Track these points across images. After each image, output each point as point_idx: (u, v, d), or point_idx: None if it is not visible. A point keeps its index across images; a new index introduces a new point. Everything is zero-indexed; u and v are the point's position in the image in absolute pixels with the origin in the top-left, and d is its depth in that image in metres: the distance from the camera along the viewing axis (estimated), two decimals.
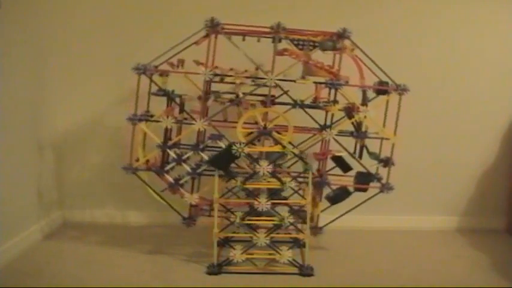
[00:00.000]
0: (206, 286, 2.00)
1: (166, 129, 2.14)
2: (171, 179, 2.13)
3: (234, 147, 1.99)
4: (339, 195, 2.16)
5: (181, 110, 2.24)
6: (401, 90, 2.11)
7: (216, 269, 2.10)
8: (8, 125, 2.25)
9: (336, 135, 2.08)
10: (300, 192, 2.15)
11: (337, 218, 2.28)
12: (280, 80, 2.02)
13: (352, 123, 2.12)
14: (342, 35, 2.04)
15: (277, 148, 2.03)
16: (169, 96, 2.19)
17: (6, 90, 2.24)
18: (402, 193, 2.61)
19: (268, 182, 2.13)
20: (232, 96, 2.25)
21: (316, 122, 2.19)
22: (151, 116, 2.13)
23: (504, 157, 2.68)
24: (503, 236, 2.64)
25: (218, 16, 2.05)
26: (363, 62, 2.12)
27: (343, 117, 2.15)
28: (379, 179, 2.18)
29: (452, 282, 2.05)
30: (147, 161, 2.20)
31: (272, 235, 2.07)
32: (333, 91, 2.10)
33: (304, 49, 2.05)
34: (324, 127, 2.11)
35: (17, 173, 2.35)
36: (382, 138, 2.15)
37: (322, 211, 2.29)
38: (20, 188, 2.39)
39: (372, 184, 2.18)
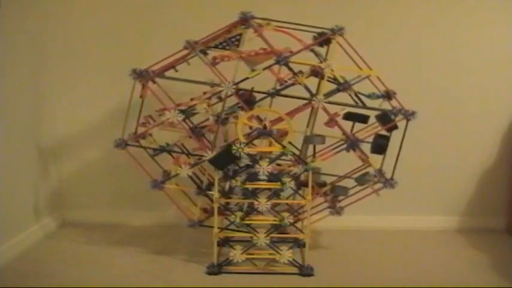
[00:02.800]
0: (206, 286, 2.00)
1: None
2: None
3: (233, 147, 1.99)
4: (382, 143, 2.09)
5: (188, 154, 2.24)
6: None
7: (216, 269, 2.10)
8: (7, 125, 2.25)
9: (325, 101, 2.00)
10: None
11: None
12: (236, 84, 2.00)
13: (329, 80, 2.08)
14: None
15: (277, 148, 2.03)
16: (169, 151, 2.21)
17: (6, 90, 2.24)
18: (402, 193, 2.60)
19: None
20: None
21: (303, 98, 2.08)
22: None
23: (504, 157, 2.68)
24: (503, 236, 2.64)
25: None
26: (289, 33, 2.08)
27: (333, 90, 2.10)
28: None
29: (452, 282, 2.05)
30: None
31: (272, 235, 2.07)
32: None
33: (230, 48, 2.04)
34: (311, 98, 2.01)
35: (16, 173, 2.35)
36: (362, 79, 2.09)
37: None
38: (20, 188, 2.39)
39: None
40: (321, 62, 2.05)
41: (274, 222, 2.06)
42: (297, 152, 2.14)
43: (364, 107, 2.07)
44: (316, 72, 2.10)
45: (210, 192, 2.14)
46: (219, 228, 2.11)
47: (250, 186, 2.05)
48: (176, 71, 2.13)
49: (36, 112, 2.54)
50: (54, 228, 2.65)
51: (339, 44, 2.05)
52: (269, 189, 2.06)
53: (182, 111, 2.07)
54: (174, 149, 2.23)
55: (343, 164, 2.17)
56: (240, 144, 1.98)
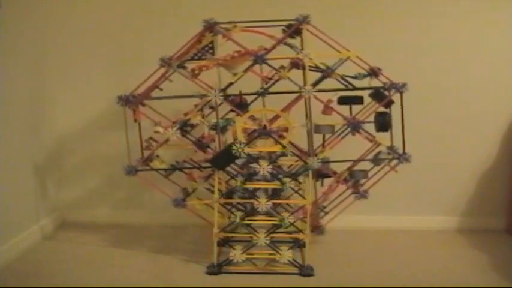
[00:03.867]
0: (206, 286, 2.00)
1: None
2: None
3: (234, 147, 1.99)
4: (384, 119, 2.08)
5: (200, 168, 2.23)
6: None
7: (216, 269, 2.10)
8: (8, 124, 2.25)
9: (314, 90, 2.00)
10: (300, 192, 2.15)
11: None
12: (224, 91, 2.01)
13: (311, 69, 2.08)
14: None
15: (277, 148, 2.03)
16: (180, 169, 2.22)
17: (6, 89, 2.24)
18: (402, 193, 2.62)
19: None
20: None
21: (291, 92, 2.09)
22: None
23: (504, 157, 2.68)
24: (503, 236, 2.64)
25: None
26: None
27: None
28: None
29: (452, 282, 2.05)
30: None
31: (272, 235, 2.07)
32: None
33: (206, 57, 2.06)
34: (299, 90, 2.01)
35: (16, 173, 2.35)
36: (343, 61, 2.07)
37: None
38: (20, 188, 2.39)
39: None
40: (298, 53, 2.04)
41: (274, 222, 2.06)
42: (296, 153, 2.14)
43: (355, 88, 2.07)
44: (297, 64, 2.11)
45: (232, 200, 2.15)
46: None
47: (250, 186, 2.05)
48: (161, 89, 2.15)
49: (36, 112, 2.54)
50: (54, 229, 2.65)
51: (310, 32, 2.04)
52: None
53: (180, 128, 2.07)
54: (184, 165, 2.23)
55: (352, 149, 2.14)
56: (240, 144, 1.98)
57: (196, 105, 2.14)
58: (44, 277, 2.05)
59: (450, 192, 2.72)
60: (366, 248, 2.44)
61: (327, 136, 2.22)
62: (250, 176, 2.06)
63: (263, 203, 2.01)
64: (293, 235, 2.17)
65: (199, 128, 2.23)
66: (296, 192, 2.11)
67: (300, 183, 2.25)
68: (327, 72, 2.04)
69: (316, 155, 2.06)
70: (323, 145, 2.15)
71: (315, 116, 2.12)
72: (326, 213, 2.29)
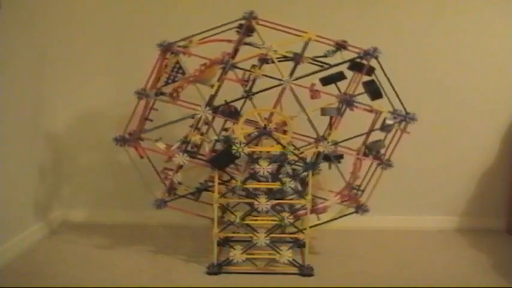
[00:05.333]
0: (206, 286, 2.00)
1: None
2: None
3: (234, 147, 1.99)
4: (373, 87, 2.06)
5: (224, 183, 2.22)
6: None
7: (216, 269, 2.10)
8: (8, 124, 2.25)
9: (293, 80, 2.00)
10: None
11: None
12: (209, 105, 2.03)
13: (280, 61, 2.07)
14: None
15: (277, 148, 2.03)
16: (205, 189, 2.23)
17: (7, 89, 2.24)
18: (402, 193, 2.62)
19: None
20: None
21: (273, 86, 2.09)
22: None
23: (504, 157, 2.68)
24: (503, 236, 2.64)
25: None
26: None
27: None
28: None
29: (453, 283, 2.05)
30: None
31: (272, 235, 2.07)
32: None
33: (180, 77, 2.08)
34: (279, 83, 2.02)
35: (16, 173, 2.35)
36: (307, 44, 2.04)
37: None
38: (20, 188, 2.39)
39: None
40: (261, 49, 2.04)
41: (274, 222, 2.06)
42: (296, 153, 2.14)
43: (331, 66, 2.07)
44: (265, 60, 2.12)
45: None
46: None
47: (250, 186, 2.06)
48: (151, 120, 2.17)
49: (37, 112, 2.54)
50: (54, 228, 2.65)
51: (263, 25, 2.05)
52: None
53: (186, 151, 2.09)
54: (208, 184, 2.23)
55: (357, 126, 2.13)
56: (240, 144, 1.98)
57: (191, 126, 2.14)
58: (44, 277, 2.05)
59: (450, 192, 2.72)
60: (366, 248, 2.44)
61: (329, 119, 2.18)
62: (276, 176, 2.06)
63: (263, 203, 2.01)
64: (293, 235, 2.17)
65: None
66: (296, 192, 2.10)
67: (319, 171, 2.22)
68: (296, 59, 2.04)
69: (325, 138, 2.05)
70: (330, 127, 2.14)
71: (309, 103, 2.10)
72: (362, 191, 2.24)
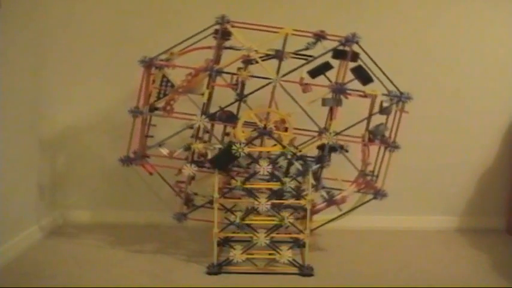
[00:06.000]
0: (206, 286, 2.00)
1: None
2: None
3: (234, 147, 1.99)
4: (361, 72, 2.08)
5: None
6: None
7: (216, 269, 2.10)
8: (7, 124, 2.25)
9: (281, 77, 2.00)
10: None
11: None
12: (204, 114, 2.03)
13: (264, 60, 2.09)
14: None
15: (277, 148, 2.03)
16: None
17: (6, 89, 2.23)
18: (402, 193, 2.62)
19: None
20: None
21: (263, 86, 2.09)
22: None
23: (504, 157, 2.68)
24: (503, 236, 2.64)
25: None
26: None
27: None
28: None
29: (452, 283, 2.05)
30: None
31: (272, 235, 2.07)
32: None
33: (170, 89, 2.10)
34: (268, 82, 2.03)
35: (16, 173, 2.35)
36: (285, 39, 2.04)
37: None
38: (20, 188, 2.39)
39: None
40: (242, 51, 2.05)
41: (274, 222, 2.06)
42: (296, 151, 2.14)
43: (314, 58, 2.07)
44: (249, 61, 2.13)
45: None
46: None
47: (250, 186, 2.05)
48: (152, 136, 2.19)
49: (36, 112, 2.54)
50: (54, 228, 2.65)
51: (238, 27, 2.07)
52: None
53: (194, 162, 2.10)
54: (224, 191, 2.21)
55: (355, 114, 2.10)
56: (240, 144, 1.98)
57: (192, 136, 2.14)
58: (44, 277, 2.05)
59: (450, 192, 2.72)
60: (365, 248, 2.44)
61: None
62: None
63: (263, 203, 2.01)
64: (293, 235, 2.17)
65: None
66: (296, 192, 2.10)
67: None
68: (279, 56, 2.05)
69: (327, 129, 2.05)
70: (331, 118, 2.14)
71: (303, 97, 2.11)
72: (377, 177, 2.23)
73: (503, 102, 2.63)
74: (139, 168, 2.17)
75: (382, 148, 2.17)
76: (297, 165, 2.06)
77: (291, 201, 2.17)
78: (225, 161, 2.04)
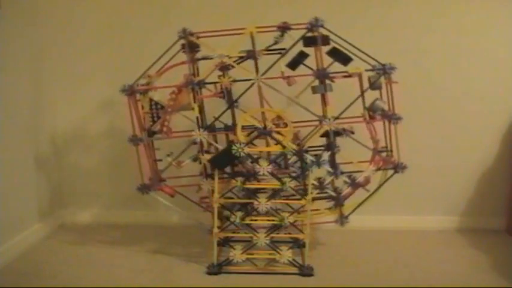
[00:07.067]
0: (206, 286, 2.00)
1: None
2: None
3: (234, 147, 1.99)
4: (338, 53, 2.07)
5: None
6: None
7: (216, 269, 2.10)
8: (7, 124, 2.25)
9: (262, 75, 2.02)
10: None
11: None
12: (201, 127, 2.05)
13: (239, 63, 2.11)
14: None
15: (277, 148, 2.03)
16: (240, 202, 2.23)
17: (6, 90, 2.24)
18: (402, 193, 2.62)
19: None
20: None
21: (248, 89, 2.09)
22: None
23: (504, 157, 2.68)
24: (503, 236, 2.64)
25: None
26: None
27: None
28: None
29: (452, 283, 2.05)
30: None
31: (272, 235, 2.07)
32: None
33: (161, 111, 2.11)
34: (252, 81, 2.04)
35: (16, 173, 2.35)
36: (252, 38, 2.04)
37: None
38: (20, 188, 2.39)
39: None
40: (214, 59, 2.07)
41: (274, 222, 2.06)
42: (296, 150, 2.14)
43: (287, 50, 2.07)
44: (225, 67, 2.14)
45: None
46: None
47: (250, 186, 2.06)
48: (160, 160, 2.19)
49: (37, 112, 2.55)
50: (54, 228, 2.65)
51: (203, 37, 2.09)
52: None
53: (208, 175, 2.13)
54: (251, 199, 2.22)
55: (347, 97, 2.09)
56: (240, 144, 1.98)
57: (199, 152, 2.14)
58: (44, 277, 2.06)
59: (450, 192, 2.72)
60: (366, 248, 2.44)
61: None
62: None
63: (263, 203, 2.01)
64: (293, 235, 2.17)
65: None
66: (296, 192, 2.10)
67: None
68: (252, 56, 2.05)
69: (325, 116, 2.05)
70: (325, 104, 2.13)
71: (293, 91, 2.13)
72: (391, 151, 2.21)
73: (503, 102, 2.63)
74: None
75: (387, 123, 2.15)
76: (309, 157, 2.05)
77: (290, 201, 2.17)
78: (225, 161, 2.04)
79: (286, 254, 2.08)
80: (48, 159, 2.65)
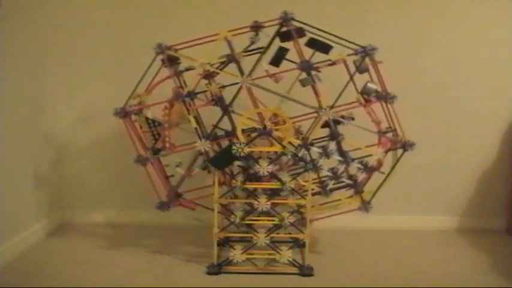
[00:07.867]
0: (206, 286, 2.00)
1: None
2: None
3: (234, 147, 1.99)
4: (317, 43, 2.06)
5: None
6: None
7: (216, 269, 2.10)
8: (7, 124, 2.25)
9: (247, 77, 2.02)
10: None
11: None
12: (203, 137, 2.05)
13: (222, 68, 2.11)
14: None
15: (277, 148, 2.03)
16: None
17: (6, 89, 2.24)
18: (402, 193, 2.62)
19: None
20: None
21: (238, 92, 2.10)
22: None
23: (504, 157, 2.68)
24: (503, 236, 2.64)
25: None
26: None
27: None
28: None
29: (452, 283, 2.05)
30: None
31: (272, 235, 2.07)
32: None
33: (159, 127, 2.13)
34: (240, 84, 2.04)
35: (17, 173, 2.35)
36: (228, 43, 2.05)
37: None
38: (20, 188, 2.39)
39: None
40: (197, 69, 2.08)
41: (274, 222, 2.06)
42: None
43: (265, 48, 2.06)
44: (210, 75, 2.15)
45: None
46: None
47: (250, 186, 2.06)
48: (172, 176, 2.20)
49: (37, 112, 2.54)
50: (55, 228, 2.65)
51: (181, 49, 2.10)
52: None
53: (222, 183, 2.15)
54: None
55: (337, 85, 2.09)
56: (240, 144, 1.98)
57: (204, 161, 2.16)
58: (44, 277, 2.05)
59: (450, 192, 2.72)
60: (365, 248, 2.44)
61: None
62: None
63: (263, 203, 2.01)
64: (293, 235, 2.17)
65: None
66: (296, 192, 2.10)
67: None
68: (232, 59, 2.06)
69: (321, 107, 2.05)
70: (317, 95, 2.12)
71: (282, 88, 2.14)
72: (395, 130, 2.20)
73: (503, 102, 2.63)
74: (141, 169, 2.17)
75: (384, 103, 2.14)
76: (316, 149, 2.05)
77: (290, 201, 2.17)
78: (225, 161, 2.04)
79: (286, 254, 2.08)
80: (48, 159, 2.65)
